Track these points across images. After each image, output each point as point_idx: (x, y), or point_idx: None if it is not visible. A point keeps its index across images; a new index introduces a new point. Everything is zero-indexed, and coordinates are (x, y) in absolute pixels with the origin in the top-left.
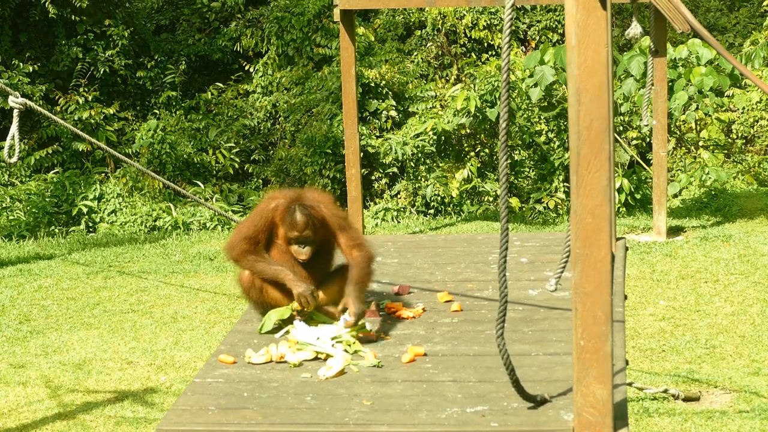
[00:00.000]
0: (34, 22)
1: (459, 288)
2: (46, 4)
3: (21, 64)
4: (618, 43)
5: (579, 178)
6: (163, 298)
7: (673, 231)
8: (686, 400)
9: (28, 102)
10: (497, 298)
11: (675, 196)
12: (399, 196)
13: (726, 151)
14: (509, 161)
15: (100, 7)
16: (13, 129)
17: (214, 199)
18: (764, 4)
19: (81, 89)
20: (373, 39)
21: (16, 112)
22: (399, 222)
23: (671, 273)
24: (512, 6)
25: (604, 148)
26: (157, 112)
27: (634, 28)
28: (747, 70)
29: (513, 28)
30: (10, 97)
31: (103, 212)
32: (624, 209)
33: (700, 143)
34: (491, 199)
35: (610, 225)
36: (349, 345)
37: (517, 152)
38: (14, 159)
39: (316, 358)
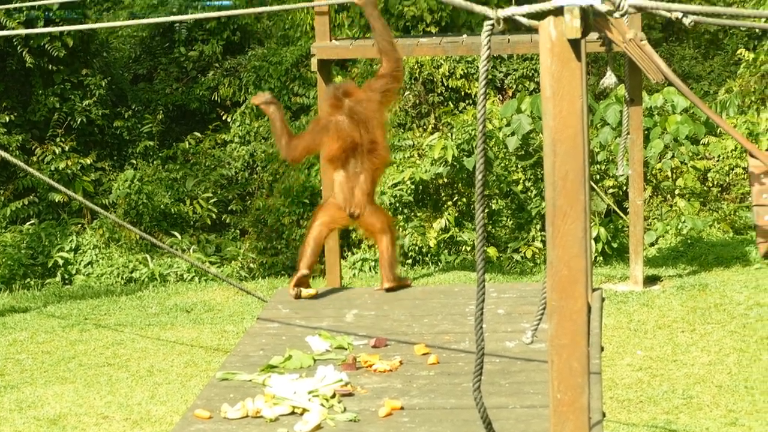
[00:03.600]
0: (11, 71)
1: (436, 340)
2: (24, 53)
3: None
4: (594, 92)
5: (555, 229)
6: (139, 351)
7: (650, 280)
8: None
9: (3, 153)
10: (474, 351)
11: (651, 244)
12: (377, 247)
13: (702, 200)
14: (486, 211)
15: (78, 56)
16: None
17: (191, 250)
18: (738, 52)
19: (58, 139)
20: None
21: None
22: (377, 272)
23: (648, 322)
24: (488, 56)
25: (580, 199)
26: (135, 162)
27: (609, 78)
28: (721, 119)
29: (489, 77)
30: None
31: (80, 264)
32: (601, 258)
33: (676, 191)
34: (469, 248)
35: (586, 276)
36: (326, 399)
37: (494, 201)
38: None
39: (292, 413)
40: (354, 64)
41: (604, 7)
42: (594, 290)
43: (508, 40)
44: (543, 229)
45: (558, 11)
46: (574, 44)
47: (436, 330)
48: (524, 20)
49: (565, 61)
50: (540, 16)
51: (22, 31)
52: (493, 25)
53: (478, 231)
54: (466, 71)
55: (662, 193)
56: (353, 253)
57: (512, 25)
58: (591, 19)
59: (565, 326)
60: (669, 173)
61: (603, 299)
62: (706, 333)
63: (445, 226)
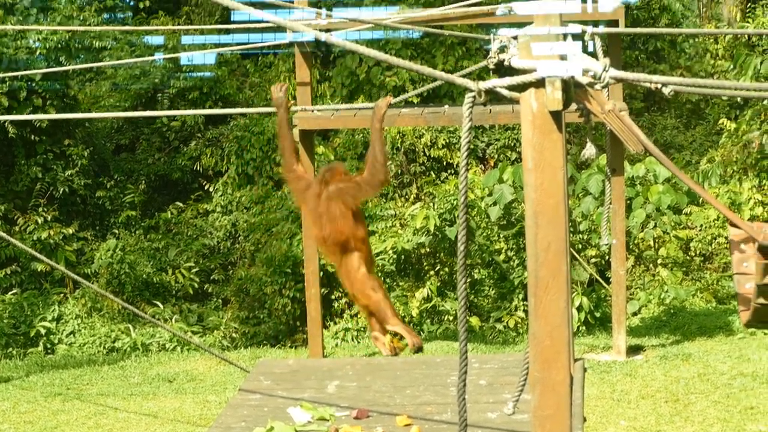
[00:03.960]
0: None
1: (418, 411)
2: (6, 123)
3: None
4: (576, 161)
5: (537, 300)
6: (121, 422)
7: (633, 350)
8: None
9: None
10: (456, 422)
11: (634, 314)
12: (359, 316)
13: (684, 269)
14: (469, 280)
15: (60, 127)
16: None
17: (173, 320)
18: (720, 122)
19: (40, 209)
20: (332, 158)
21: None
22: (359, 342)
23: (631, 393)
24: (470, 127)
25: (562, 270)
26: (117, 231)
27: (589, 149)
28: (702, 189)
29: (471, 147)
30: None
31: (62, 333)
32: (584, 328)
33: (659, 261)
34: (451, 318)
35: (568, 347)
36: None
37: (476, 271)
38: None
39: None
40: (336, 134)
41: (585, 79)
42: (576, 360)
43: (490, 110)
44: (525, 298)
45: (539, 83)
46: (556, 116)
47: (418, 401)
48: (506, 92)
49: (546, 133)
50: (521, 88)
51: (11, 117)
52: (474, 96)
53: (461, 301)
54: (447, 141)
55: (645, 263)
56: (335, 323)
57: (494, 96)
58: (572, 91)
59: (548, 397)
60: (651, 243)
61: (585, 369)
62: (690, 403)
63: (428, 295)
